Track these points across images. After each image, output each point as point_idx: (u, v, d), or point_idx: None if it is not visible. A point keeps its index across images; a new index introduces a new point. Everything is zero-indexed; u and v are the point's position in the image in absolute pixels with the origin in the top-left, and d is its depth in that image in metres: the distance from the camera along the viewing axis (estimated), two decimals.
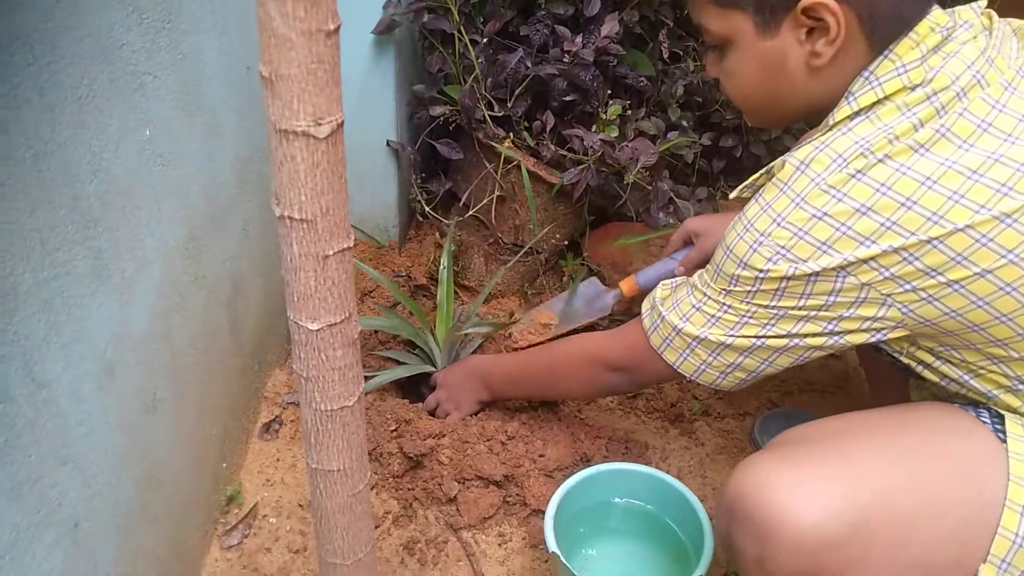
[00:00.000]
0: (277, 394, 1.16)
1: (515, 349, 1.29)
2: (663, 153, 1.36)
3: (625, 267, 1.39)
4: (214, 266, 0.94)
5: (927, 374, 0.77)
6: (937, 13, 0.70)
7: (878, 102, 0.69)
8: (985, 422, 0.71)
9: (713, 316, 0.77)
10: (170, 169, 0.81)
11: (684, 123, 1.46)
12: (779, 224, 0.69)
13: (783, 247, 0.69)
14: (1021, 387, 0.71)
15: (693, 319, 0.79)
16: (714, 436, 1.17)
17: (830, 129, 0.72)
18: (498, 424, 1.12)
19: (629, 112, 1.31)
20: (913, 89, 0.68)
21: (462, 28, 1.21)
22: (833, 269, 0.68)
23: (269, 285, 1.14)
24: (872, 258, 0.67)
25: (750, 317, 0.75)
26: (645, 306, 0.87)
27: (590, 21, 1.26)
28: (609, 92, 1.30)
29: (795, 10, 0.70)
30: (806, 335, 0.74)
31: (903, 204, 0.65)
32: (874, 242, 0.66)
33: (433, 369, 1.22)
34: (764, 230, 0.70)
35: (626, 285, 1.22)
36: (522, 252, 1.34)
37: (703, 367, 0.81)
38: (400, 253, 1.45)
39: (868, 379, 1.17)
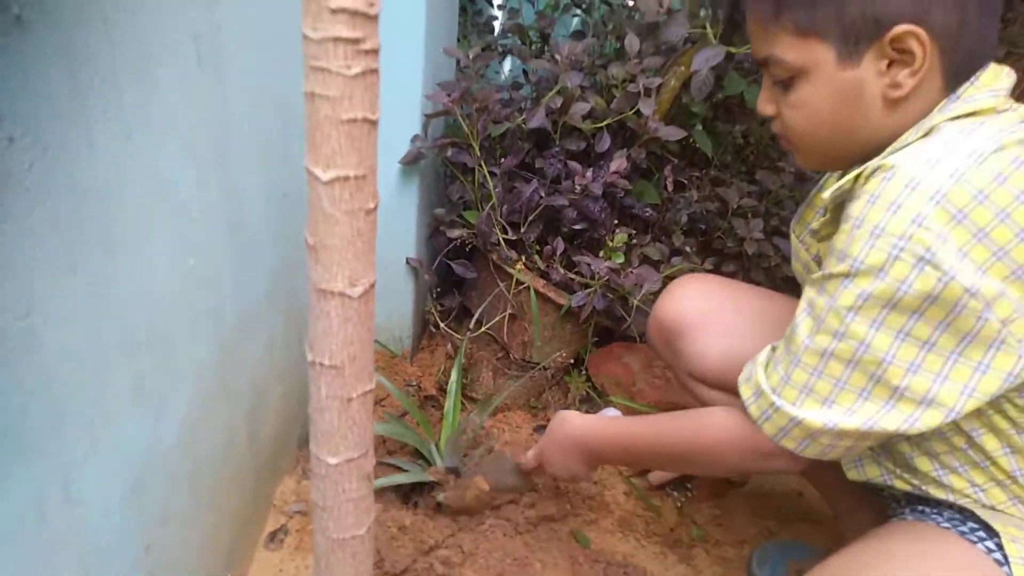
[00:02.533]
0: (285, 502, 1.18)
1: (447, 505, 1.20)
2: (667, 277, 1.43)
3: (628, 387, 1.44)
4: (240, 377, 0.99)
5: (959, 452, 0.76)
6: (997, 66, 0.74)
7: (974, 113, 0.71)
8: (974, 541, 0.73)
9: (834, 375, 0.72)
10: (209, 291, 0.87)
11: (687, 249, 1.54)
12: (919, 224, 0.64)
13: (928, 248, 0.64)
14: None
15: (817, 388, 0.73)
16: (712, 563, 1.17)
17: (926, 134, 0.71)
18: (498, 543, 1.13)
19: (635, 241, 1.39)
20: (1000, 113, 0.71)
21: (482, 163, 1.31)
22: (969, 292, 0.64)
23: (287, 391, 1.19)
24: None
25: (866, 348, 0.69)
26: (746, 392, 0.80)
27: (600, 156, 1.37)
28: (616, 221, 1.39)
29: (882, 40, 0.70)
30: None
31: None
32: (1007, 253, 0.64)
33: (432, 479, 1.24)
34: (902, 232, 0.65)
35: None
36: (531, 373, 1.39)
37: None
38: (412, 363, 1.51)
39: (830, 505, 1.13)
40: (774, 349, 0.80)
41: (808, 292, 0.75)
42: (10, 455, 0.56)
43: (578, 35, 1.55)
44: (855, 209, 0.69)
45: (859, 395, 0.71)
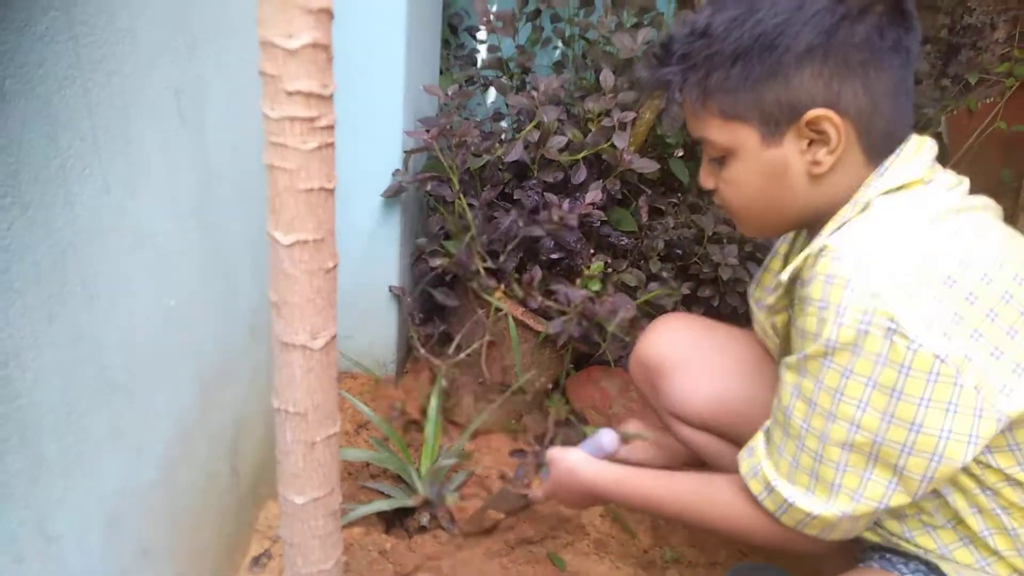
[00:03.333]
0: (269, 527, 1.21)
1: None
2: (643, 303, 1.46)
3: (605, 410, 1.47)
4: (220, 411, 1.02)
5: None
6: (920, 136, 0.80)
7: (903, 186, 0.75)
8: None
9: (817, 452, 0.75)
10: (189, 330, 0.90)
11: (664, 274, 1.57)
12: (879, 296, 0.68)
13: (892, 318, 0.67)
14: None
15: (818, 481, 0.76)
16: None
17: (863, 209, 0.76)
18: (476, 566, 1.16)
19: (611, 269, 1.42)
20: (927, 184, 0.76)
21: (461, 195, 1.35)
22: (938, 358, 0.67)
23: (271, 420, 1.21)
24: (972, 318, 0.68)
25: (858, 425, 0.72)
26: (756, 487, 0.82)
27: (577, 188, 1.40)
28: (593, 250, 1.42)
29: (799, 122, 0.75)
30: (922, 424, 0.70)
31: (982, 277, 0.70)
32: (961, 318, 0.68)
33: (413, 504, 1.27)
34: (865, 307, 0.68)
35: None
36: (507, 394, 1.42)
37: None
38: (397, 387, 1.54)
39: None
40: (767, 434, 0.82)
41: (788, 375, 0.78)
42: None
43: (558, 66, 1.60)
44: (815, 291, 0.72)
45: (861, 477, 0.74)
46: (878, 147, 0.77)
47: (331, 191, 0.54)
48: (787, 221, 0.85)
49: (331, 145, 0.52)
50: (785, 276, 0.80)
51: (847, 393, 0.71)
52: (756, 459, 0.82)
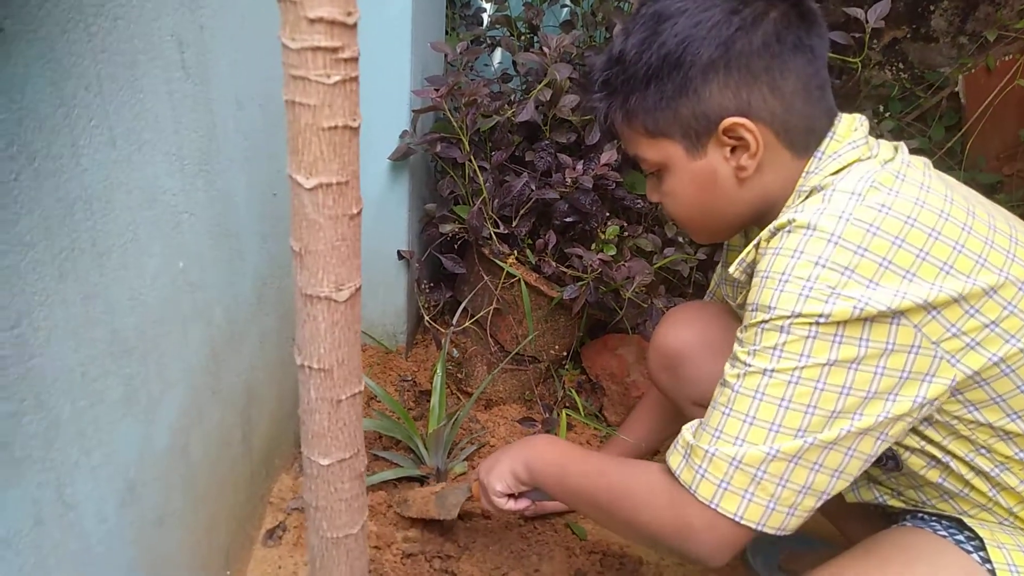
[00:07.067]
0: (282, 499, 1.19)
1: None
2: (659, 269, 1.43)
3: (622, 378, 1.44)
4: (231, 379, 1.00)
5: (941, 479, 0.78)
6: (849, 116, 0.81)
7: (843, 168, 0.77)
8: (969, 551, 0.74)
9: (747, 415, 0.71)
10: (198, 294, 0.88)
11: (680, 239, 1.54)
12: (824, 266, 0.68)
13: (834, 287, 0.68)
14: None
15: (727, 428, 0.71)
16: None
17: (808, 196, 0.76)
18: (495, 536, 1.14)
19: (627, 233, 1.39)
20: (864, 161, 0.77)
21: (472, 157, 1.31)
22: (888, 312, 0.67)
23: (281, 391, 1.19)
24: (913, 293, 0.67)
25: (796, 383, 0.69)
26: (675, 460, 0.76)
27: (591, 148, 1.37)
28: (608, 213, 1.39)
29: (716, 132, 0.78)
30: (858, 389, 0.69)
31: (930, 233, 0.69)
32: (915, 275, 0.68)
33: (421, 474, 1.25)
34: (808, 275, 0.69)
35: (476, 487, 1.09)
36: (507, 358, 1.40)
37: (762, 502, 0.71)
38: (407, 358, 1.51)
39: (837, 527, 1.10)
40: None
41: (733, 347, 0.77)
42: (4, 463, 0.57)
43: (567, 25, 1.55)
44: (762, 265, 0.74)
45: (795, 435, 0.70)
46: (801, 142, 0.79)
47: (356, 130, 0.51)
48: (731, 225, 0.87)
49: (355, 79, 0.49)
50: (733, 269, 0.82)
51: (787, 349, 0.69)
52: (679, 437, 0.78)
